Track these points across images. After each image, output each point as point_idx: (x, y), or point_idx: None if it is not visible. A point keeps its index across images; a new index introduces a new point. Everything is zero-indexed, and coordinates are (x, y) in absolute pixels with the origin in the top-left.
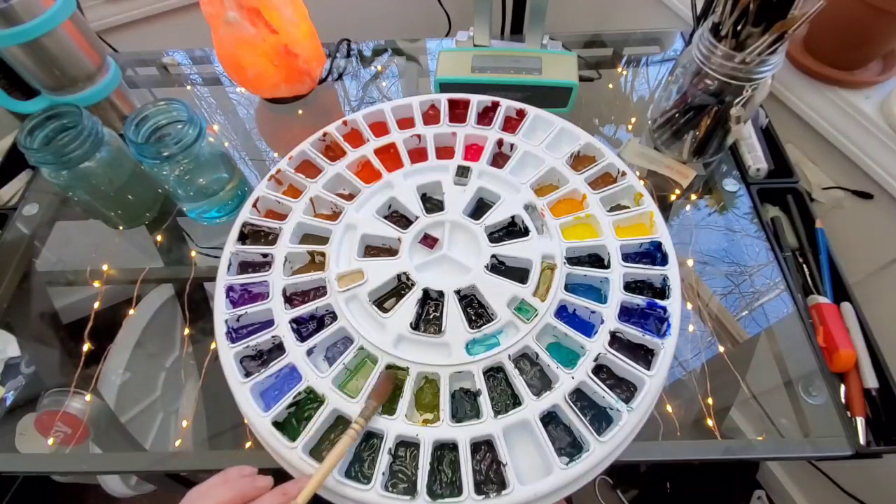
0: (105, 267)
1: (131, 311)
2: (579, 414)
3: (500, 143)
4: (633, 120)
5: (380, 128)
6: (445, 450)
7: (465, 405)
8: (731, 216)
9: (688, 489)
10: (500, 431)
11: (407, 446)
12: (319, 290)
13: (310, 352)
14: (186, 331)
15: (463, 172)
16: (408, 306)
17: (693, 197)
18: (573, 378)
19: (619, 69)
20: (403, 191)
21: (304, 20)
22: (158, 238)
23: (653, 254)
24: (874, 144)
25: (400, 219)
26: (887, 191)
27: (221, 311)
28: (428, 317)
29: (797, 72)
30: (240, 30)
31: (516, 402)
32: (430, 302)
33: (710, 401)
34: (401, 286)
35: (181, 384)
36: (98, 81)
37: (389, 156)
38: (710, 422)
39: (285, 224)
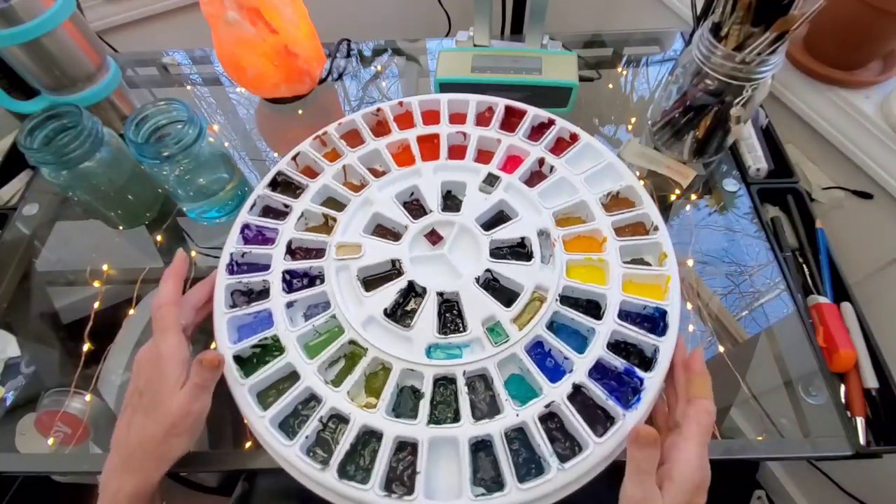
0: (105, 267)
1: (131, 311)
2: (509, 453)
3: (541, 161)
4: (633, 120)
5: (431, 116)
6: (372, 438)
7: (408, 403)
8: (731, 216)
9: None
10: (427, 439)
11: (339, 420)
12: (320, 252)
13: (290, 304)
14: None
15: (491, 181)
16: (389, 292)
17: (693, 197)
18: (518, 416)
19: (619, 69)
20: (429, 182)
21: (304, 20)
22: (158, 238)
23: (655, 320)
24: (874, 144)
25: (417, 208)
26: (887, 191)
27: (231, 244)
28: (405, 308)
29: (797, 72)
30: (240, 30)
31: (455, 417)
32: (412, 295)
33: None
34: (391, 272)
35: None
36: (98, 81)
37: (430, 146)
38: None
39: (314, 182)
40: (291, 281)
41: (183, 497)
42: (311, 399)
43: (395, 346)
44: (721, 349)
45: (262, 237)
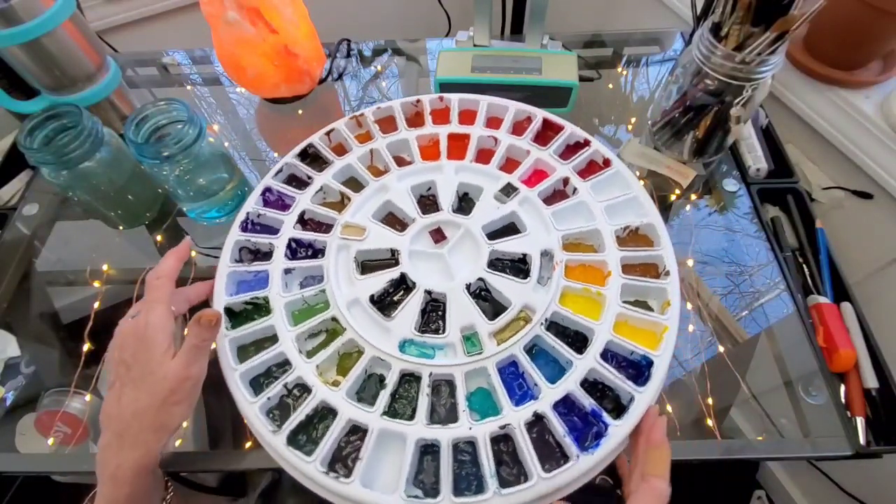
0: (105, 267)
1: None
2: (452, 464)
3: (565, 181)
4: (633, 120)
5: (468, 116)
6: (329, 414)
7: (372, 390)
8: (731, 216)
9: (688, 489)
10: (378, 429)
11: (303, 390)
12: (329, 227)
13: (289, 271)
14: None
15: (508, 191)
16: (380, 280)
17: (693, 197)
18: (470, 429)
19: (619, 69)
20: (448, 181)
21: (304, 20)
22: (158, 238)
23: (640, 368)
24: (874, 144)
25: (431, 204)
26: (887, 191)
27: (251, 203)
28: (392, 298)
29: (797, 72)
30: (240, 30)
31: (412, 416)
32: (402, 287)
33: (710, 401)
34: (388, 260)
35: None
36: (98, 81)
37: (459, 144)
38: (710, 422)
39: (339, 160)
40: (297, 249)
41: (183, 497)
42: (285, 364)
43: (373, 332)
44: (721, 349)
45: (281, 202)
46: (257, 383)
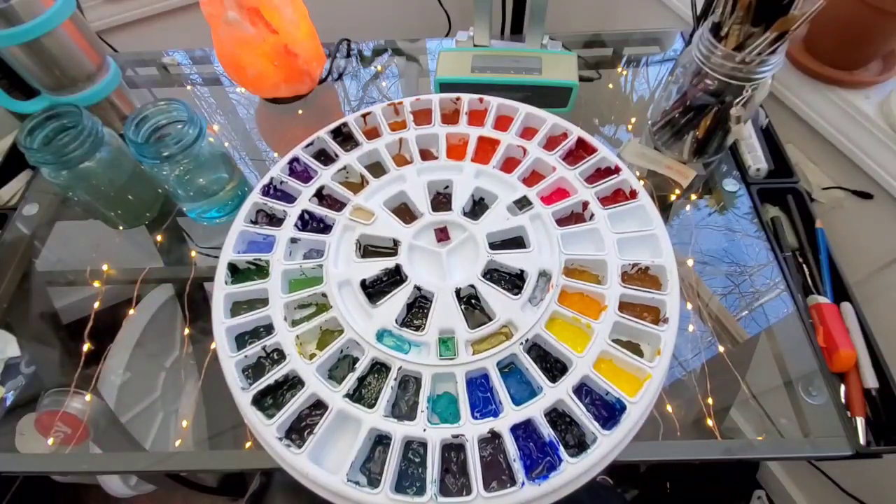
0: (105, 267)
1: (131, 311)
2: (400, 460)
3: (585, 205)
4: (633, 120)
5: (504, 122)
6: (298, 384)
7: (343, 369)
8: (731, 216)
9: (688, 489)
10: (337, 409)
11: (280, 356)
12: (341, 206)
13: (295, 240)
14: (186, 331)
15: (522, 204)
16: (375, 266)
17: (693, 197)
18: (424, 431)
19: (619, 69)
20: (466, 183)
21: (304, 20)
22: (158, 238)
23: (613, 411)
24: (874, 144)
25: (444, 202)
26: (887, 191)
27: (277, 169)
28: (382, 287)
29: (797, 72)
30: (240, 30)
31: (372, 403)
32: (395, 278)
33: (710, 401)
34: (388, 249)
35: (181, 384)
36: (98, 81)
37: (488, 148)
38: (710, 422)
39: (369, 143)
40: (309, 221)
41: (183, 497)
42: (270, 328)
43: (356, 316)
44: (721, 349)
45: (305, 174)
46: (242, 340)
